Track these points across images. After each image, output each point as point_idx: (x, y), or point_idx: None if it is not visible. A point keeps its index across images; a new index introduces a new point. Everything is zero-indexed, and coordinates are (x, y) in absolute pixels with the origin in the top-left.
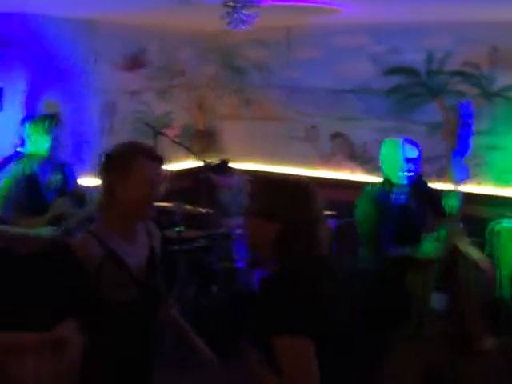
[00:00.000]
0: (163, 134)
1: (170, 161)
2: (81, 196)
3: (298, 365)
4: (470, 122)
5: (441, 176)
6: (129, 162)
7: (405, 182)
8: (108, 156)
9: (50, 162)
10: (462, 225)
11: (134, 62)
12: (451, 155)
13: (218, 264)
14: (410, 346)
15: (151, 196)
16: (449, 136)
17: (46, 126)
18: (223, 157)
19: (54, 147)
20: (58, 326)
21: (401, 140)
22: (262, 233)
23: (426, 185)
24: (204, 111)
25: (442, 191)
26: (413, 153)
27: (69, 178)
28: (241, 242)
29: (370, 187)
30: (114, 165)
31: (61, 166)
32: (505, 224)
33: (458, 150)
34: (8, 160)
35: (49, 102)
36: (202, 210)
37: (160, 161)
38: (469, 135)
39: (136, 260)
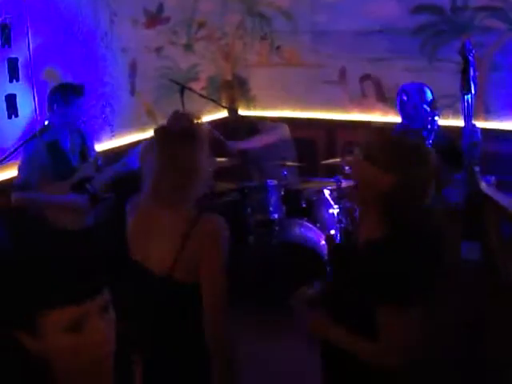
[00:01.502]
0: (189, 89)
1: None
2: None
3: (409, 337)
4: (470, 59)
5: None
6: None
7: (427, 129)
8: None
9: (70, 128)
10: (478, 168)
11: (154, 19)
12: (461, 98)
13: (253, 216)
14: (446, 298)
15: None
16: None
17: (67, 96)
18: (253, 106)
19: (77, 116)
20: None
21: (414, 85)
22: (375, 182)
23: (448, 137)
24: (231, 61)
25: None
26: (428, 97)
27: (88, 142)
28: (274, 192)
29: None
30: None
31: (79, 131)
32: None
33: (464, 90)
34: (34, 133)
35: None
36: (234, 161)
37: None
38: (471, 73)
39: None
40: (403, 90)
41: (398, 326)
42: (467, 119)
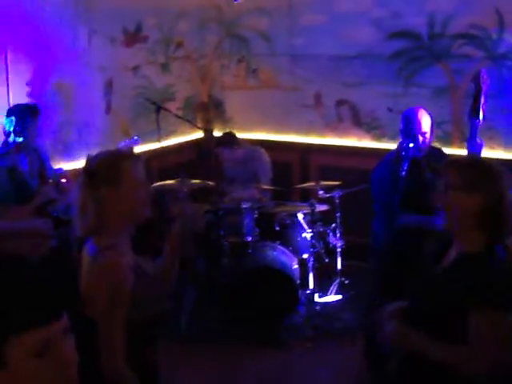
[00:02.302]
0: (165, 109)
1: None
2: (59, 181)
3: (499, 342)
4: (483, 87)
5: (445, 141)
6: (117, 171)
7: (408, 152)
8: (90, 172)
9: (27, 149)
10: None
11: (133, 37)
12: (469, 123)
13: (227, 239)
14: None
15: (147, 195)
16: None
17: (24, 117)
18: (228, 128)
19: (34, 136)
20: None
21: (416, 110)
22: (464, 206)
23: (442, 156)
24: (208, 82)
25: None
26: (426, 123)
27: (46, 163)
28: (248, 215)
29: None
30: (101, 179)
31: (36, 152)
32: None
33: (473, 117)
34: None
35: (55, 83)
36: (209, 183)
37: (138, 157)
38: (483, 101)
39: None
40: (405, 115)
41: (490, 330)
42: (473, 138)
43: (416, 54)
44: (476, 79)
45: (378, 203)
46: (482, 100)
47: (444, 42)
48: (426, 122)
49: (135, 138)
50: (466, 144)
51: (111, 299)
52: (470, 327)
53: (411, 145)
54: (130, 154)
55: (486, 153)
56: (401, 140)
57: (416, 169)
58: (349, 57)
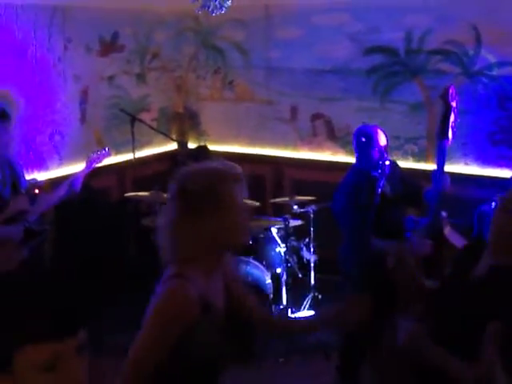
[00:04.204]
0: (140, 120)
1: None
2: (32, 191)
3: None
4: (452, 104)
5: (420, 157)
6: (217, 195)
7: (381, 171)
8: (184, 193)
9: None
10: (444, 213)
11: (109, 47)
12: (437, 139)
13: None
14: None
15: (247, 221)
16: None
17: None
18: (203, 140)
19: (6, 143)
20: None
21: (375, 128)
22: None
23: (398, 168)
24: (183, 93)
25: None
26: (385, 140)
27: (18, 172)
28: None
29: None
30: (198, 200)
31: (7, 161)
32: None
33: (442, 135)
34: None
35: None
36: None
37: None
38: (453, 119)
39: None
40: (361, 132)
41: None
42: (440, 166)
43: (392, 69)
44: (444, 96)
45: (346, 228)
46: (452, 118)
47: (420, 57)
48: (383, 137)
49: (106, 149)
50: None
51: (159, 327)
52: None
53: (387, 162)
54: (232, 173)
55: (461, 169)
56: (359, 159)
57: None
58: (325, 71)
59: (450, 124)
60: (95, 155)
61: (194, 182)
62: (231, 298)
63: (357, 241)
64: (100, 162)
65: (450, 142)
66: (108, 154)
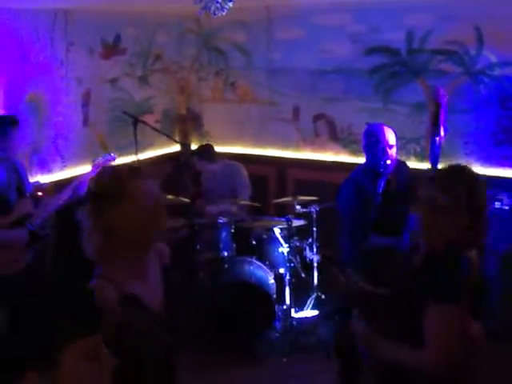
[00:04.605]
0: (142, 122)
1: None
2: (36, 194)
3: (451, 330)
4: (443, 103)
5: (422, 157)
6: (122, 190)
7: (386, 169)
8: (92, 195)
9: (5, 162)
10: None
11: (111, 50)
12: (430, 137)
13: (203, 254)
14: None
15: (157, 217)
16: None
17: (5, 128)
18: (207, 141)
19: (11, 148)
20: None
21: (382, 126)
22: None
23: (408, 169)
24: (186, 95)
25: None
26: (392, 139)
27: (23, 176)
28: (225, 230)
29: (353, 173)
30: (105, 199)
31: (13, 165)
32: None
33: (434, 132)
34: None
35: (30, 94)
36: (184, 200)
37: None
38: (443, 117)
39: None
40: (367, 130)
41: (442, 325)
42: (434, 162)
43: (394, 69)
44: (434, 96)
45: (348, 223)
46: (442, 117)
47: (422, 57)
48: (391, 135)
49: (111, 154)
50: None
51: None
52: (426, 328)
53: (388, 161)
54: (134, 172)
55: None
56: (366, 157)
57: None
58: (326, 71)
59: (441, 122)
60: (101, 159)
61: (99, 184)
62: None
63: (356, 236)
64: (103, 162)
65: (442, 139)
66: (113, 159)
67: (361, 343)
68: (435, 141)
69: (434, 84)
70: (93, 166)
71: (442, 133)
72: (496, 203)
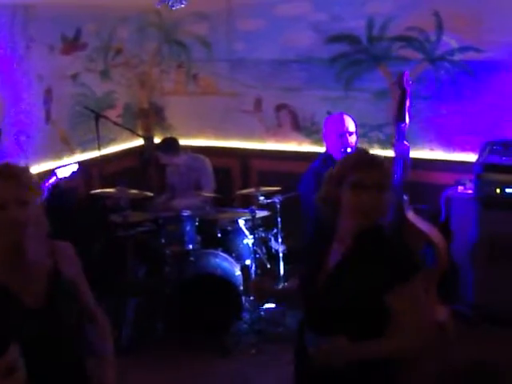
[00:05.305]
0: (104, 117)
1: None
2: None
3: (421, 312)
4: (407, 89)
5: (385, 144)
6: None
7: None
8: None
9: None
10: (405, 196)
11: (71, 45)
12: (395, 127)
13: (168, 247)
14: None
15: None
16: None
17: None
18: (170, 134)
19: None
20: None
21: (341, 114)
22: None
23: None
24: (148, 88)
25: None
26: (352, 126)
27: None
28: (189, 222)
29: (314, 163)
30: None
31: None
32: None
33: (399, 119)
34: None
35: None
36: (148, 194)
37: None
38: (408, 103)
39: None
40: (327, 119)
41: (409, 304)
42: (400, 141)
43: (355, 57)
44: (399, 82)
45: (309, 213)
46: (407, 103)
47: (383, 44)
48: (351, 123)
49: (76, 164)
50: (393, 148)
51: None
52: (393, 311)
53: (349, 149)
54: None
55: (427, 154)
56: (326, 146)
57: None
58: (288, 61)
59: (406, 108)
60: (64, 168)
61: None
62: (58, 284)
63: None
64: (68, 175)
65: (407, 125)
66: (77, 169)
67: (327, 362)
68: (401, 127)
69: (395, 70)
70: (55, 174)
71: (407, 119)
72: (459, 187)
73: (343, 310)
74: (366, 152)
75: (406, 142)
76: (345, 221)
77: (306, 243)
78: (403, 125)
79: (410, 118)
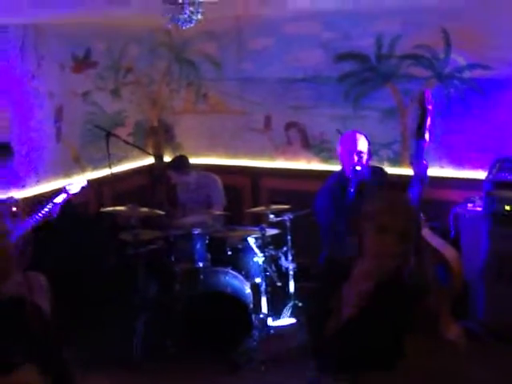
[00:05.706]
0: (115, 135)
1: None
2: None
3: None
4: (428, 107)
5: (395, 162)
6: None
7: (356, 176)
8: None
9: None
10: (422, 215)
11: (82, 63)
12: (413, 144)
13: (178, 265)
14: None
15: None
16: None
17: None
18: (179, 152)
19: None
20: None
21: (354, 133)
22: None
23: (384, 176)
24: (158, 107)
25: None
26: (363, 145)
27: None
28: (199, 240)
29: (329, 180)
30: None
31: None
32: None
33: (418, 137)
34: None
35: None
36: (158, 212)
37: None
38: (429, 122)
39: None
40: (341, 138)
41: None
42: (419, 159)
43: (364, 75)
44: (421, 100)
45: (326, 231)
46: (428, 121)
47: (392, 62)
48: (362, 142)
49: (85, 180)
50: (411, 165)
51: None
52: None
53: (358, 167)
54: None
55: (436, 172)
56: (341, 164)
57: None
58: (297, 80)
59: (427, 126)
60: (74, 184)
61: None
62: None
63: (330, 239)
64: (78, 191)
65: (426, 144)
66: (86, 186)
67: None
68: (420, 145)
69: (404, 88)
70: (65, 191)
71: (427, 137)
72: (469, 205)
73: (363, 352)
74: (396, 196)
75: (424, 161)
76: (365, 261)
77: (317, 277)
78: (423, 142)
79: (429, 136)
